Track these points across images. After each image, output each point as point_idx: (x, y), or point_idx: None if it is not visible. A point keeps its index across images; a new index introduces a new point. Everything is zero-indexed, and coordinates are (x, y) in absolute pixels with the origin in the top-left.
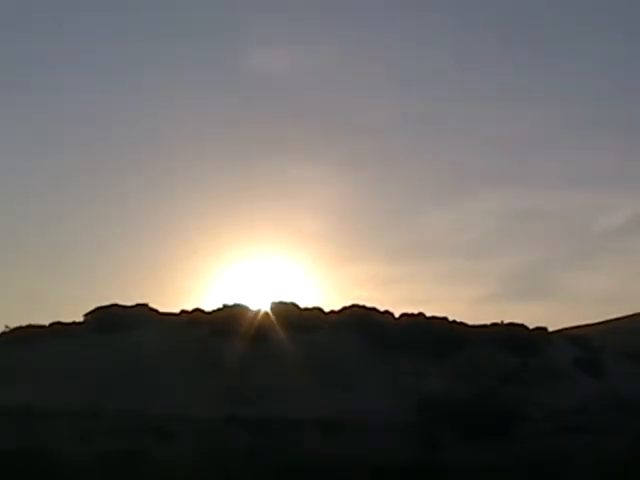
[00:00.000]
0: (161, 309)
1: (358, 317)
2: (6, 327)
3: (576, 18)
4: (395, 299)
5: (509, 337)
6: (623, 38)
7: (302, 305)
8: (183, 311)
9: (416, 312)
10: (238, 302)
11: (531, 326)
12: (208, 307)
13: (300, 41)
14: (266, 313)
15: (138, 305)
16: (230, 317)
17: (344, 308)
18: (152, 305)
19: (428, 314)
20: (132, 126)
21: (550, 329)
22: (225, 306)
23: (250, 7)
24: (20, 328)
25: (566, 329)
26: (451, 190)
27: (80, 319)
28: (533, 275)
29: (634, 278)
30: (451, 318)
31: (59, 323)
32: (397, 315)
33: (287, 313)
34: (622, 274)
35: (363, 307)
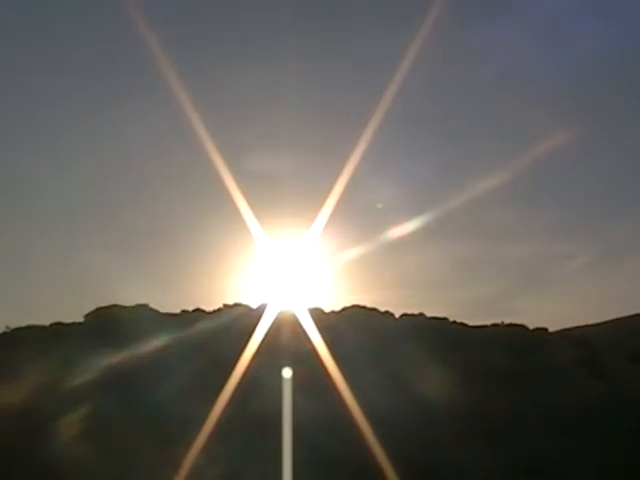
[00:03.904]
0: (161, 310)
1: (359, 317)
2: (6, 327)
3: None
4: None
5: (509, 337)
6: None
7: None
8: (183, 311)
9: (416, 312)
10: (239, 302)
11: (531, 326)
12: (208, 307)
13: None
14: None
15: (138, 305)
16: (231, 317)
17: (344, 309)
18: (152, 305)
19: (428, 314)
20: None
21: (551, 329)
22: (225, 306)
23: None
24: (20, 328)
25: (566, 329)
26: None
27: (80, 319)
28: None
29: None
30: (452, 319)
31: (59, 323)
32: (397, 315)
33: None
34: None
35: (364, 307)
